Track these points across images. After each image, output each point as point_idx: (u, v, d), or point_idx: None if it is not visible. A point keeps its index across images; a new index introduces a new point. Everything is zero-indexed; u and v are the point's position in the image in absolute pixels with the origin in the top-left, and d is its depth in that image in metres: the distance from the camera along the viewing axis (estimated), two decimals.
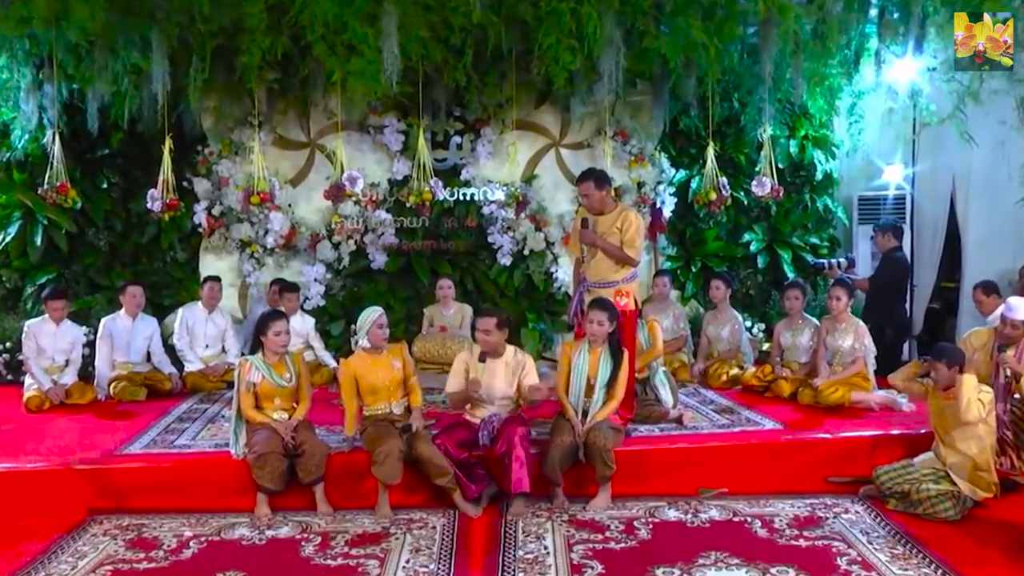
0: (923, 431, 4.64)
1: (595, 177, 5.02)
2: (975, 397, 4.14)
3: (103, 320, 6.41)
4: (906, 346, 7.36)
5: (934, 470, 4.27)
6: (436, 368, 6.52)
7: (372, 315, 4.51)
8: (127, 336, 6.38)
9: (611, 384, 4.51)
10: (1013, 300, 4.74)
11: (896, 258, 6.89)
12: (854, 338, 5.60)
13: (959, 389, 4.14)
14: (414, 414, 4.54)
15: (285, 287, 6.76)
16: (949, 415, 4.26)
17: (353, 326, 4.65)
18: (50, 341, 6.08)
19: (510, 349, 4.59)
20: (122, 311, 6.42)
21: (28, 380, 6.08)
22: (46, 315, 6.13)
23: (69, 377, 6.11)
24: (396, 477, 4.25)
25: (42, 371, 6.01)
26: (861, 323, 5.68)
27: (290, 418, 4.49)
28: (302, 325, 6.72)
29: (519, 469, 4.22)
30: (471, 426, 4.50)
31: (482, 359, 4.49)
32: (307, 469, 4.32)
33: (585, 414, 4.49)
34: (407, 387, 4.64)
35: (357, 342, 4.57)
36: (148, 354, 6.52)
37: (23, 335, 6.13)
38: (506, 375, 4.51)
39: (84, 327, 6.51)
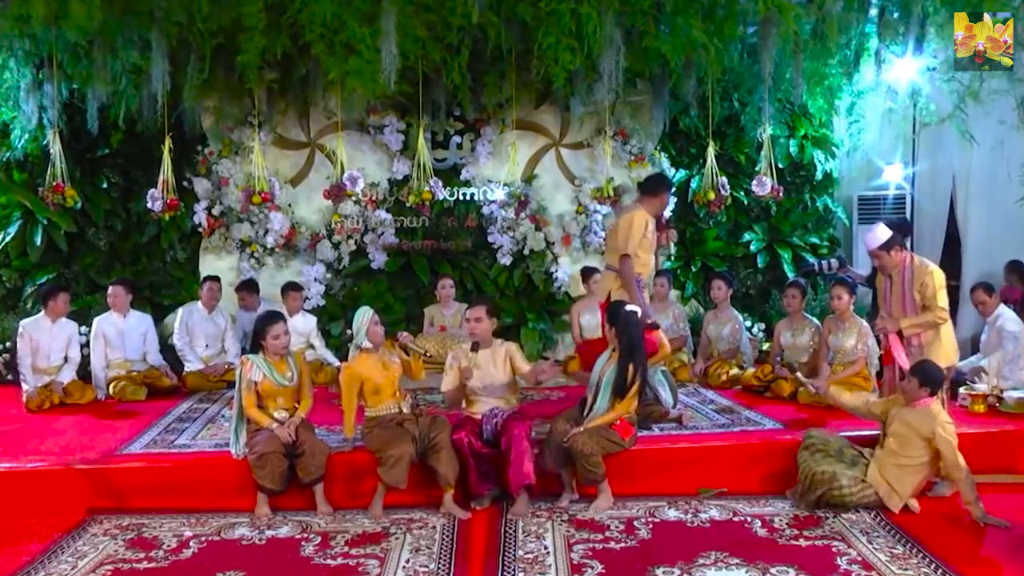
0: None
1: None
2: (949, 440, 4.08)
3: (95, 320, 6.42)
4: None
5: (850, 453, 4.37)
6: (436, 368, 6.47)
7: (366, 315, 4.52)
8: (121, 334, 6.38)
9: (614, 395, 4.45)
10: (868, 234, 4.74)
11: None
12: (857, 338, 5.58)
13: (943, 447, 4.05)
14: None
15: (288, 286, 6.80)
16: (900, 426, 4.22)
17: (350, 329, 4.67)
18: (47, 339, 6.04)
19: (495, 340, 4.66)
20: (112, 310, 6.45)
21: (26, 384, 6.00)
22: (41, 313, 6.11)
23: (67, 375, 6.08)
24: (403, 483, 4.26)
25: (32, 372, 5.95)
26: (864, 323, 5.66)
27: (291, 417, 4.49)
28: (304, 324, 6.74)
29: (526, 462, 4.25)
30: (475, 422, 4.53)
31: (474, 348, 4.56)
32: (307, 469, 4.32)
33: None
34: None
35: (355, 344, 4.57)
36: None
37: (18, 335, 6.09)
38: (499, 364, 4.58)
39: (79, 324, 6.50)
